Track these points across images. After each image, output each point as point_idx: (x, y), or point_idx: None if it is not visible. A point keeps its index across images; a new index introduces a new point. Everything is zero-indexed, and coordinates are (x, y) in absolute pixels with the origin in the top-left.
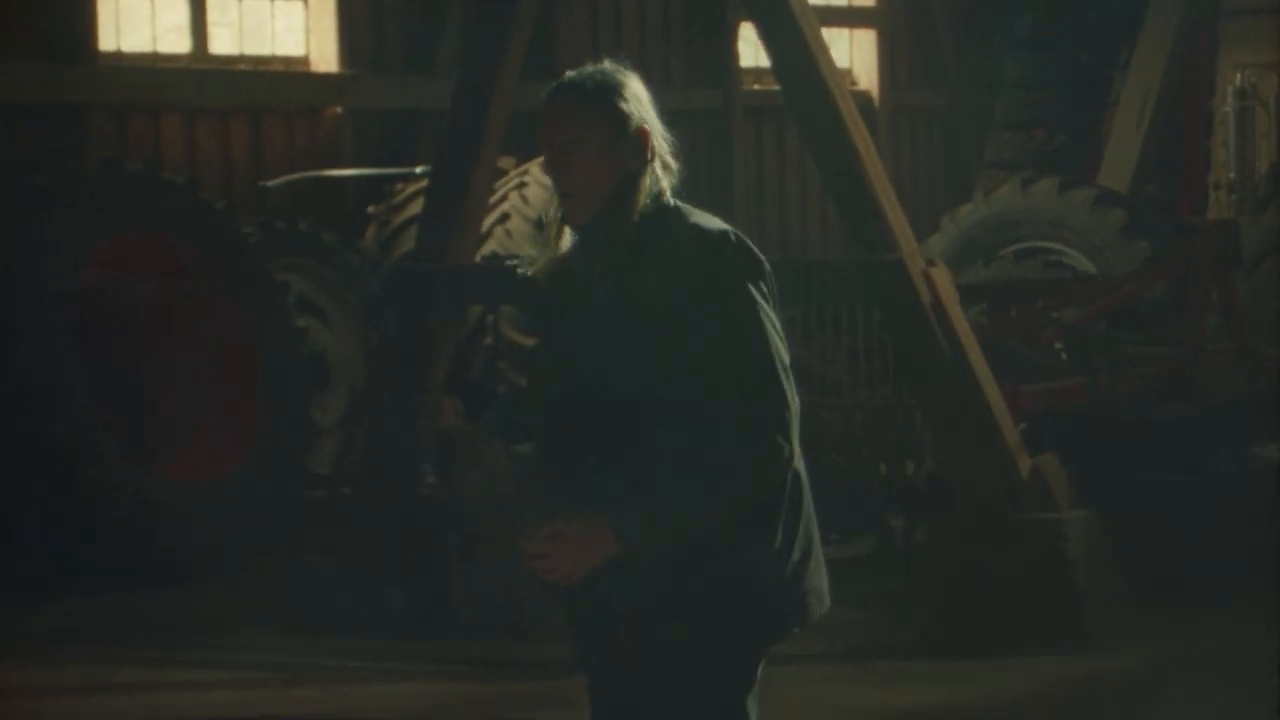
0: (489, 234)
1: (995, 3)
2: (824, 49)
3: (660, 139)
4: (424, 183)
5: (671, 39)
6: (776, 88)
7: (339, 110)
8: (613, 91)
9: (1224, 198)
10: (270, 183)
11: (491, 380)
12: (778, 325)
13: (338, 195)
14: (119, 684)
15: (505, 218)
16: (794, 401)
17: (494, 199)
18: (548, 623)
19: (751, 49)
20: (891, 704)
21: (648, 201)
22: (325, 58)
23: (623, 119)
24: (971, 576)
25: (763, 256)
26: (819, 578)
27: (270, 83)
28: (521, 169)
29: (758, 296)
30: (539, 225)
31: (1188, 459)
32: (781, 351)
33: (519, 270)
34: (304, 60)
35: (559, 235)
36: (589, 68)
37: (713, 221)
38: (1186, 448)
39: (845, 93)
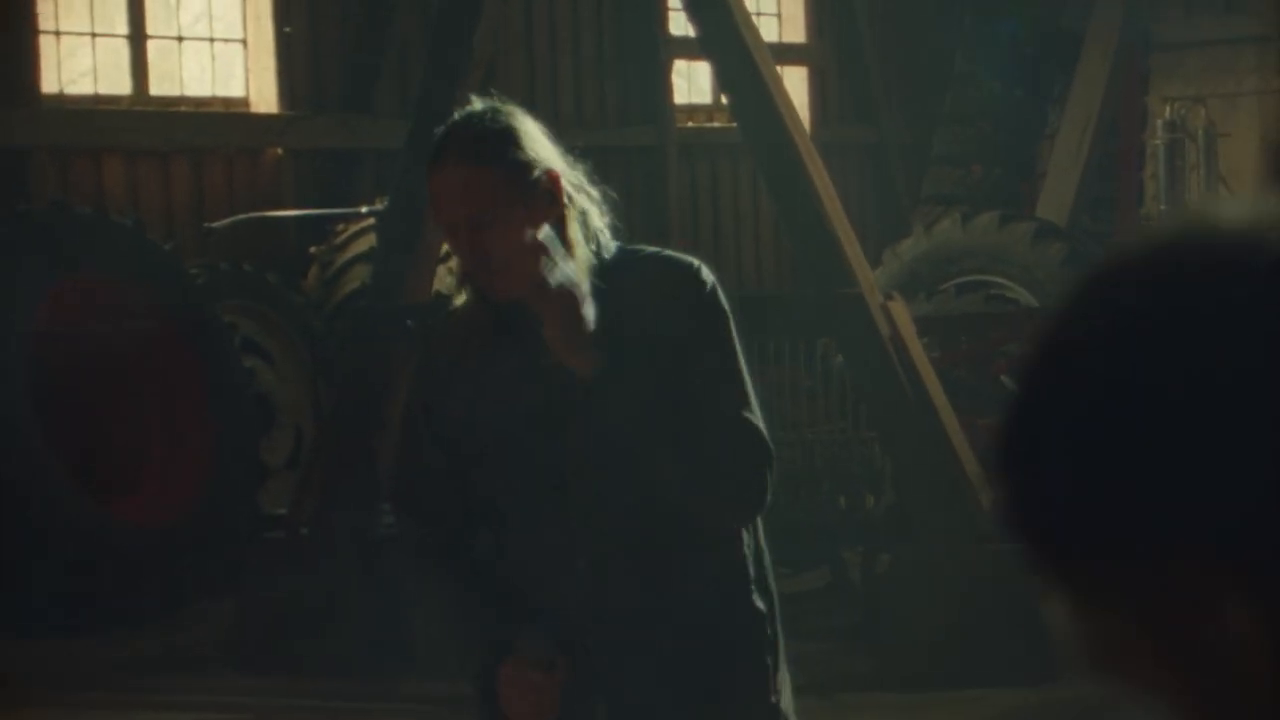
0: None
1: (929, 38)
2: (780, 86)
3: (569, 177)
4: (367, 222)
5: (606, 76)
6: (711, 125)
7: (279, 151)
8: (507, 143)
9: None
10: (215, 224)
11: None
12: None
13: (280, 236)
14: None
15: (449, 256)
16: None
17: None
18: None
19: (685, 86)
20: None
21: (592, 248)
22: (265, 99)
23: (526, 171)
24: (933, 607)
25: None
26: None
27: (210, 124)
28: None
29: (733, 330)
30: None
31: None
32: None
33: (429, 341)
34: (244, 101)
35: (477, 308)
36: (465, 114)
37: (673, 254)
38: None
39: (802, 128)
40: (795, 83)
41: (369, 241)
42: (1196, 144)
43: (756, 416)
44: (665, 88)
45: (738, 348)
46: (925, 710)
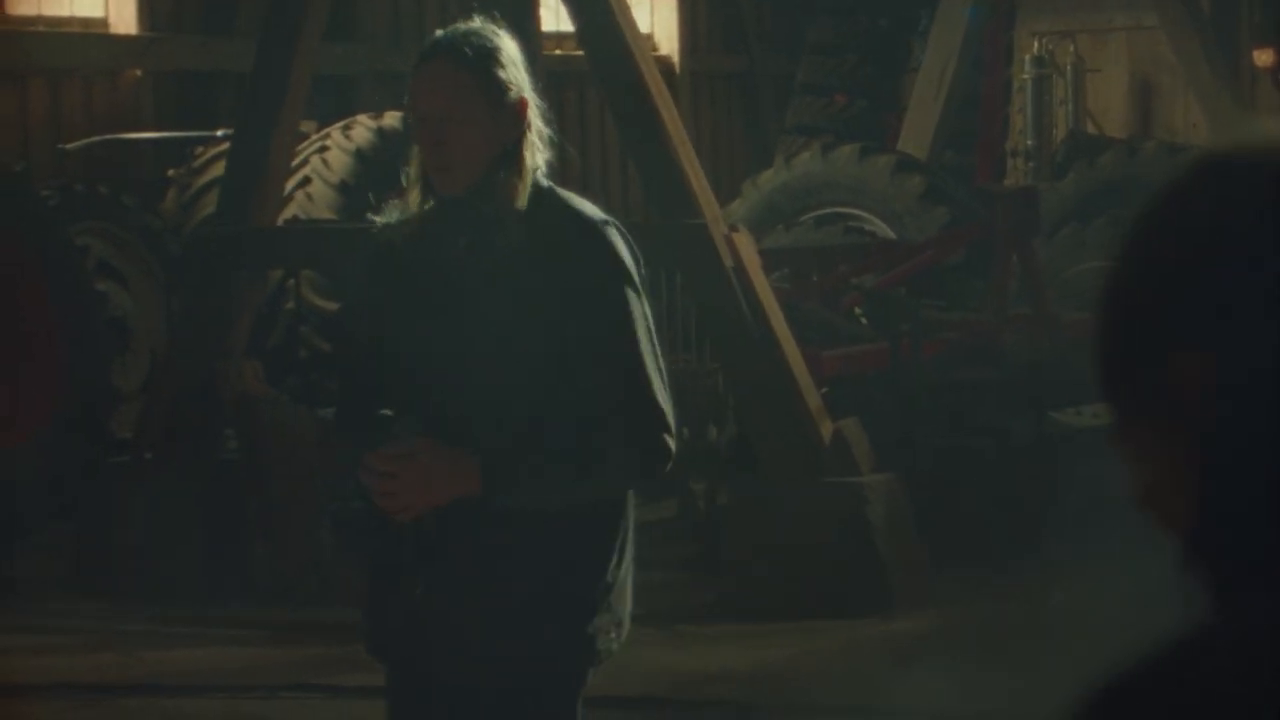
0: (290, 198)
1: None
2: (627, 12)
3: (535, 108)
4: (224, 145)
5: (472, 3)
6: (578, 53)
7: (138, 72)
8: (490, 57)
9: (1021, 165)
10: (69, 145)
11: (293, 345)
12: (651, 318)
13: (137, 158)
14: None
15: (306, 181)
16: (672, 403)
17: (295, 163)
18: (347, 588)
19: (552, 14)
20: (695, 666)
21: (531, 180)
22: (124, 19)
23: (501, 89)
24: (774, 540)
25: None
26: (626, 606)
27: (69, 44)
28: (323, 133)
29: (638, 290)
30: (341, 189)
31: (987, 423)
32: (658, 353)
33: (371, 230)
34: (103, 22)
35: (420, 201)
36: (462, 27)
37: (592, 208)
38: (986, 412)
39: (648, 57)
40: (665, 12)
41: None
42: (1064, 79)
43: (654, 384)
44: (532, 15)
45: (637, 309)
46: (765, 641)
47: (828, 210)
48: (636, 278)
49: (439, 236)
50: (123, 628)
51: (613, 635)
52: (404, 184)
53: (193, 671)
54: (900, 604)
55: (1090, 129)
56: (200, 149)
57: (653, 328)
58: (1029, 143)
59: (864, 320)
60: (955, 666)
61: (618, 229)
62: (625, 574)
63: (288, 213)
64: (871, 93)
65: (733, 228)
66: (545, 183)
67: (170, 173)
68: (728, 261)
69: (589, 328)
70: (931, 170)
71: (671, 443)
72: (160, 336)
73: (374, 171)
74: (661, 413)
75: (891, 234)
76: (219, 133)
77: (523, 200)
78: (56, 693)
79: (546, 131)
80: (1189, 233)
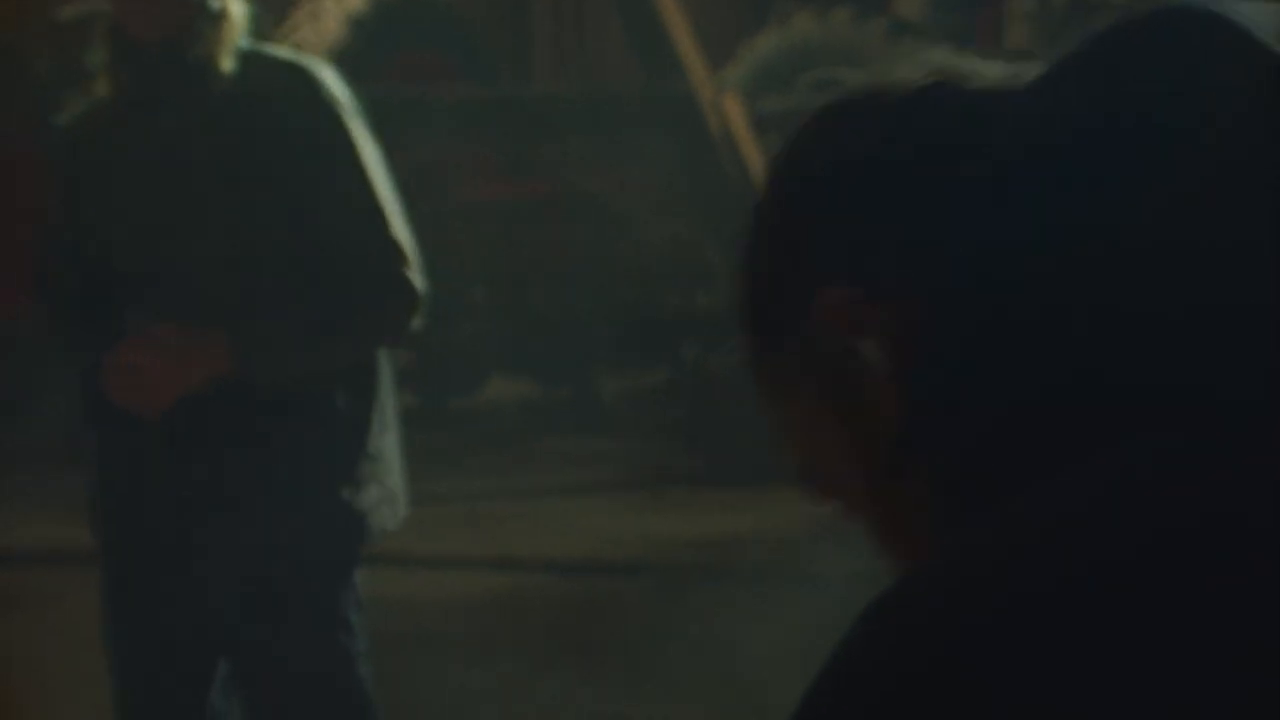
0: None
1: None
2: None
3: None
4: None
5: None
6: None
7: None
8: None
9: (1020, 27)
10: (63, 15)
11: None
12: (379, 159)
13: None
14: None
15: (298, 48)
16: (413, 243)
17: (285, 27)
18: None
19: None
20: (684, 532)
21: (241, 38)
22: None
23: None
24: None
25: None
26: (396, 478)
27: None
28: None
29: (362, 129)
30: (333, 56)
31: None
32: (391, 190)
33: (54, 121)
34: None
35: (112, 76)
36: None
37: (290, 55)
38: None
39: None
40: None
41: None
42: None
43: (391, 223)
44: None
45: (364, 148)
46: (750, 507)
47: (824, 73)
48: (358, 118)
49: (140, 104)
50: None
51: (385, 511)
52: (91, 71)
53: None
54: None
55: None
56: None
57: (382, 165)
58: (1029, 5)
59: None
60: None
61: (330, 70)
62: (391, 445)
63: None
64: None
65: (720, 92)
66: (245, 43)
67: None
68: (715, 126)
69: (316, 175)
70: (929, 31)
71: (418, 280)
72: None
73: (367, 37)
74: (403, 251)
75: None
76: None
77: (228, 50)
78: (50, 561)
79: None
80: (828, 163)
